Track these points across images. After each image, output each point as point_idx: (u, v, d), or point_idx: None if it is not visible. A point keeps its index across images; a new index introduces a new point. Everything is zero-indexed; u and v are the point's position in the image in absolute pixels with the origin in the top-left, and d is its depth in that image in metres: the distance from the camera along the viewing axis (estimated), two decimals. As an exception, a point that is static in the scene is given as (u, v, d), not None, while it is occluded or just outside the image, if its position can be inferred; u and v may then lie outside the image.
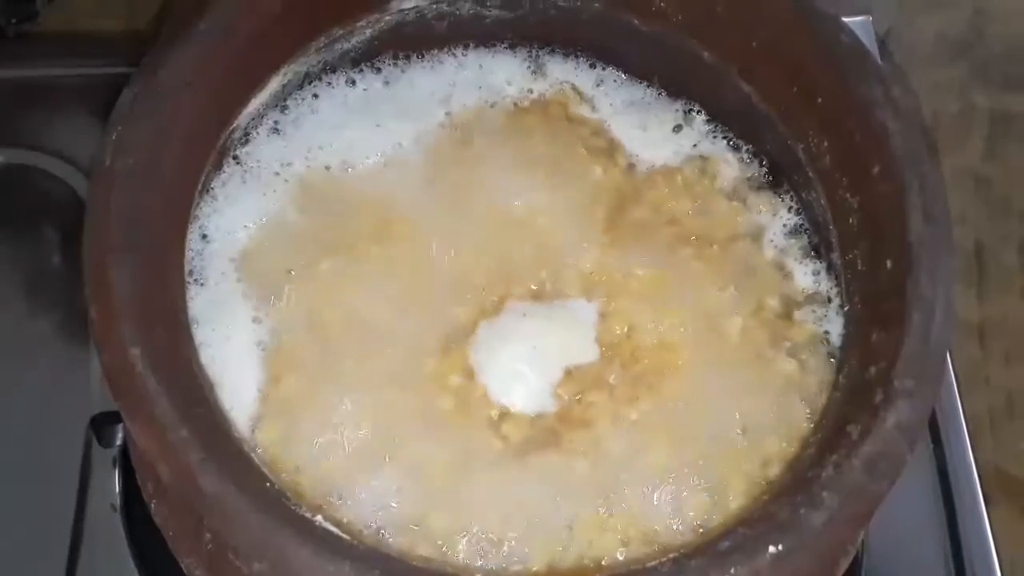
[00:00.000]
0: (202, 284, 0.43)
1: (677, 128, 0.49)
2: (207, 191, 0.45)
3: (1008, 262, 0.66)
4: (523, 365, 0.43)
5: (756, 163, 0.48)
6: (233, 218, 0.45)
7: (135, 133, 0.40)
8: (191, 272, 0.43)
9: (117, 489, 0.49)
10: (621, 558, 0.39)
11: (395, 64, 0.49)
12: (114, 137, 0.39)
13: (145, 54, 0.42)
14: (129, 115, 0.40)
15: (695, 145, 0.49)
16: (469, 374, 0.43)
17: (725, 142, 0.49)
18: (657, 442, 0.41)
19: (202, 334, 0.42)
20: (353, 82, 0.49)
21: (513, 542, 0.39)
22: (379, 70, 0.49)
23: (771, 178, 0.48)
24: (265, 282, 0.44)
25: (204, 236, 0.44)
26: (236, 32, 0.43)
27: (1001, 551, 0.51)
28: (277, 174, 0.46)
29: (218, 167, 0.45)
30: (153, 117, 0.40)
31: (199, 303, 0.42)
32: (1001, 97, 0.71)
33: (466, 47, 0.50)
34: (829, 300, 0.45)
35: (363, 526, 0.39)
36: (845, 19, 0.44)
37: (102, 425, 0.50)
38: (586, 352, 0.43)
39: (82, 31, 0.67)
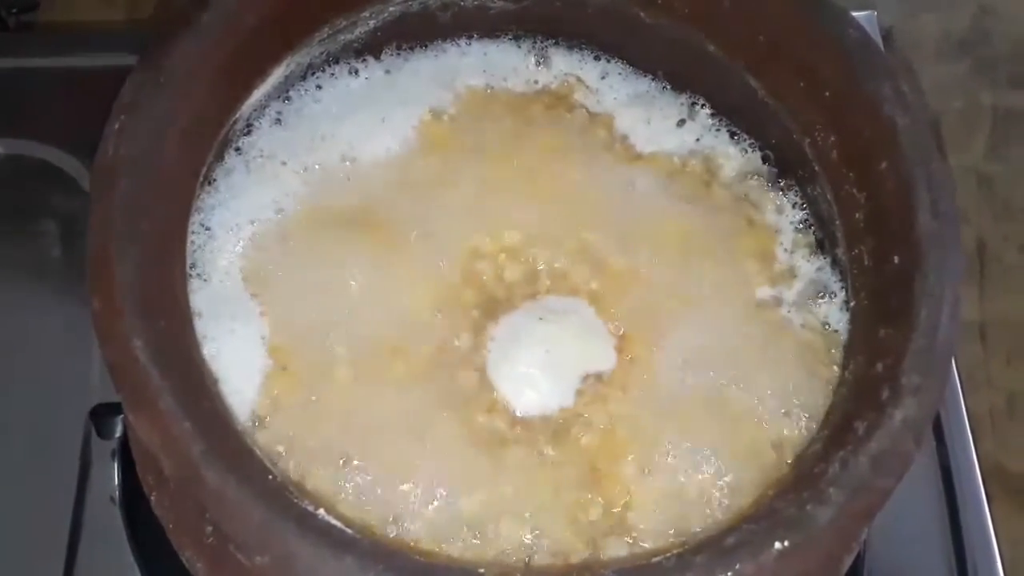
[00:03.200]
0: (205, 279, 0.43)
1: (681, 122, 0.49)
2: (209, 183, 0.44)
3: (1010, 261, 0.66)
4: (536, 370, 0.42)
5: (760, 158, 0.48)
6: (236, 210, 0.44)
7: (137, 124, 0.39)
8: (193, 265, 0.43)
9: (116, 481, 0.49)
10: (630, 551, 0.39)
11: (398, 53, 0.49)
12: (116, 127, 0.39)
13: (146, 44, 0.41)
14: (131, 105, 0.40)
15: (699, 139, 0.49)
16: (479, 375, 0.42)
17: (729, 136, 0.48)
18: (667, 437, 0.41)
19: (205, 327, 0.41)
20: (356, 71, 0.48)
21: (519, 535, 0.39)
22: (381, 59, 0.49)
23: (776, 173, 0.48)
24: (268, 276, 0.43)
25: (207, 228, 0.44)
26: (239, 23, 0.42)
27: (1003, 548, 0.51)
28: (284, 164, 0.46)
29: (220, 158, 0.45)
30: (155, 108, 0.40)
31: (202, 296, 0.42)
32: (1005, 95, 0.71)
33: (470, 37, 0.50)
34: (834, 295, 0.44)
35: (358, 517, 0.39)
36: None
37: (102, 417, 0.50)
38: (601, 357, 0.43)
39: (84, 21, 0.67)
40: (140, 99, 0.40)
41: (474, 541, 0.39)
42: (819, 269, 0.45)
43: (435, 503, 0.39)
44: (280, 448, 0.40)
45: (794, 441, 0.41)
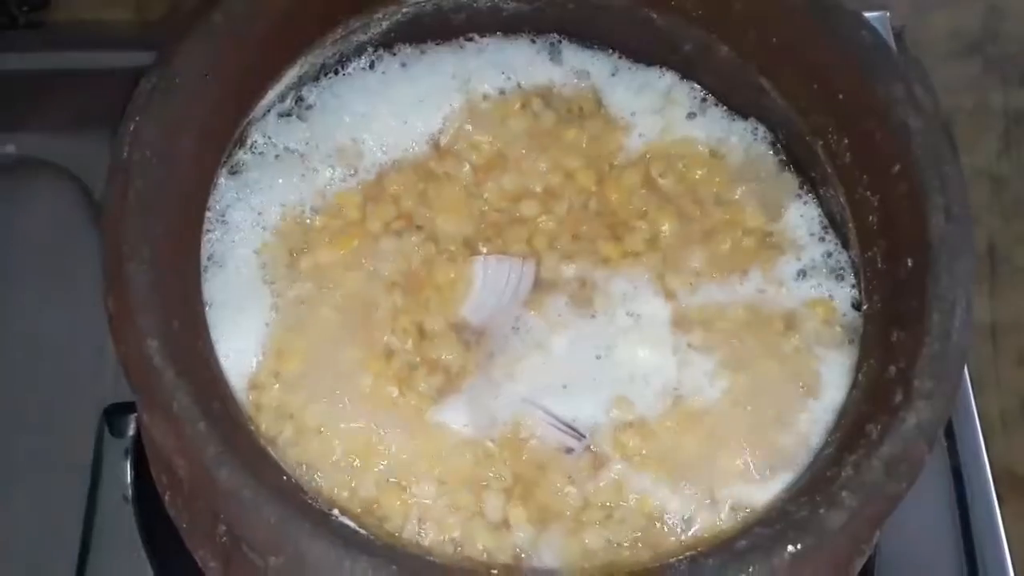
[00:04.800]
0: (222, 268, 0.43)
1: (691, 115, 0.49)
2: (225, 180, 0.44)
3: (1021, 262, 0.66)
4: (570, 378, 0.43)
5: (773, 158, 0.48)
6: (253, 206, 0.44)
7: (152, 125, 0.39)
8: (211, 256, 0.43)
9: (129, 479, 0.49)
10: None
11: (414, 46, 0.49)
12: (131, 129, 0.39)
13: (156, 43, 0.41)
14: (146, 107, 0.40)
15: (709, 135, 0.48)
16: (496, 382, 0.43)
17: (740, 133, 0.48)
18: (690, 441, 0.42)
19: (217, 317, 0.41)
20: (372, 65, 0.48)
21: (535, 537, 0.39)
22: (395, 54, 0.49)
23: (788, 174, 0.47)
24: (284, 269, 0.43)
25: (224, 221, 0.44)
26: (253, 24, 0.42)
27: (1013, 549, 0.51)
28: (296, 162, 0.46)
29: (236, 157, 0.45)
30: (170, 109, 0.40)
31: (216, 286, 0.42)
32: (1016, 95, 0.71)
33: (483, 36, 0.49)
34: (847, 298, 0.44)
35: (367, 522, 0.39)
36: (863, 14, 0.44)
37: (115, 416, 0.50)
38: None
39: (93, 20, 0.67)
40: (154, 101, 0.40)
41: (489, 543, 0.39)
42: (831, 271, 0.45)
43: (450, 504, 0.40)
44: (289, 446, 0.40)
45: (806, 444, 0.41)
